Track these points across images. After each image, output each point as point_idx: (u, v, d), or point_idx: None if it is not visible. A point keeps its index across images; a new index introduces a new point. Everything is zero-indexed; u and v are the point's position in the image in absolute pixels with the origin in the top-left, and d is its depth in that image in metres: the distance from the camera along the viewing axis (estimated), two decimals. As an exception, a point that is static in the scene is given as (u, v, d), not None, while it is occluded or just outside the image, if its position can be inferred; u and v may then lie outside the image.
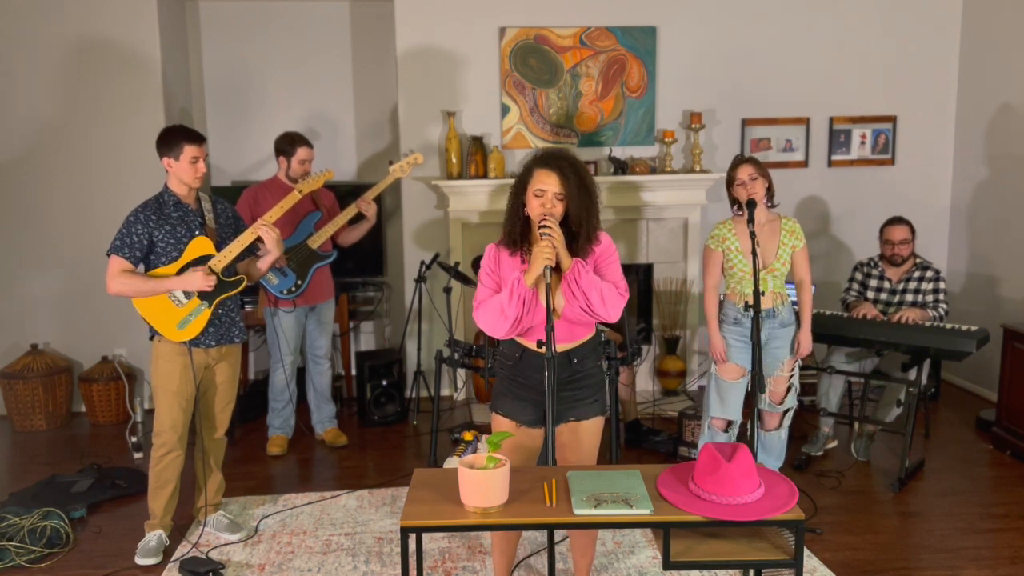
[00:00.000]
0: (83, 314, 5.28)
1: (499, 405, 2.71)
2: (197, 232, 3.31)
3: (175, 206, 3.29)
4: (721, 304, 3.75)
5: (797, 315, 3.79)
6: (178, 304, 3.26)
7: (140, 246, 3.21)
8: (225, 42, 5.59)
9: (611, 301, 2.51)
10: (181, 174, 3.26)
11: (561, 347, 2.62)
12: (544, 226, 2.46)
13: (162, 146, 3.26)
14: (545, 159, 2.54)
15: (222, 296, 3.33)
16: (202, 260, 3.29)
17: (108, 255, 3.22)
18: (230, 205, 3.54)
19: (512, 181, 2.66)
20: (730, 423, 3.75)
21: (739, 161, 3.67)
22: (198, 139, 3.27)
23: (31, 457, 4.60)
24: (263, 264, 3.50)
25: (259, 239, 3.42)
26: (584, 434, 2.68)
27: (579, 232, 2.53)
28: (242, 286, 3.39)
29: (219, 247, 3.33)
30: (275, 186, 4.39)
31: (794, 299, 3.94)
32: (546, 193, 2.50)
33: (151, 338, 3.32)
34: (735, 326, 3.67)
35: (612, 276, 2.60)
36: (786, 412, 3.77)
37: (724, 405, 3.71)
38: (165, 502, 3.43)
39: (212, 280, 3.23)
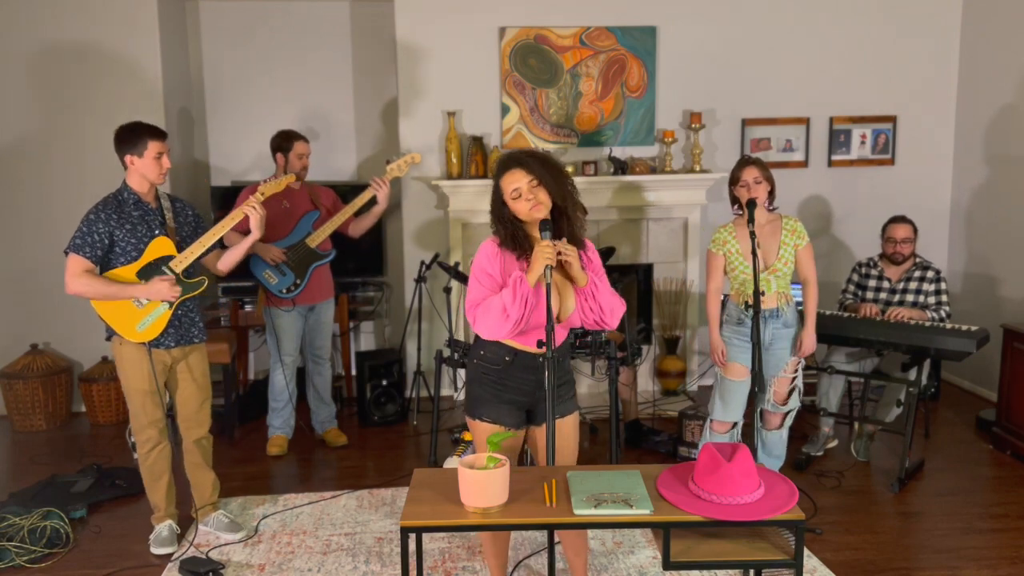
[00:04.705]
0: (83, 314, 5.27)
1: (483, 412, 2.68)
2: (157, 232, 3.26)
3: (135, 204, 3.24)
4: (724, 304, 3.75)
5: (802, 315, 3.78)
6: (138, 305, 3.22)
7: (101, 245, 3.16)
8: (225, 42, 5.59)
9: (619, 314, 2.66)
10: (145, 171, 3.20)
11: None
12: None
13: (123, 143, 3.19)
14: (504, 165, 2.58)
15: (182, 297, 3.29)
16: (163, 260, 3.24)
17: (67, 253, 3.15)
18: (190, 205, 3.49)
19: None
20: (733, 426, 3.74)
21: (745, 162, 3.64)
22: (161, 134, 3.22)
23: (31, 457, 4.60)
24: (238, 249, 3.48)
25: (222, 241, 3.45)
26: (566, 430, 2.73)
27: (565, 206, 2.57)
28: (202, 287, 3.35)
29: (179, 247, 3.29)
30: (274, 185, 4.39)
31: (799, 298, 3.93)
32: (521, 189, 2.51)
33: (108, 338, 3.28)
34: (738, 326, 3.66)
35: (606, 287, 2.68)
36: (788, 412, 3.77)
37: (727, 407, 3.70)
38: (164, 493, 3.45)
39: (177, 291, 3.21)
